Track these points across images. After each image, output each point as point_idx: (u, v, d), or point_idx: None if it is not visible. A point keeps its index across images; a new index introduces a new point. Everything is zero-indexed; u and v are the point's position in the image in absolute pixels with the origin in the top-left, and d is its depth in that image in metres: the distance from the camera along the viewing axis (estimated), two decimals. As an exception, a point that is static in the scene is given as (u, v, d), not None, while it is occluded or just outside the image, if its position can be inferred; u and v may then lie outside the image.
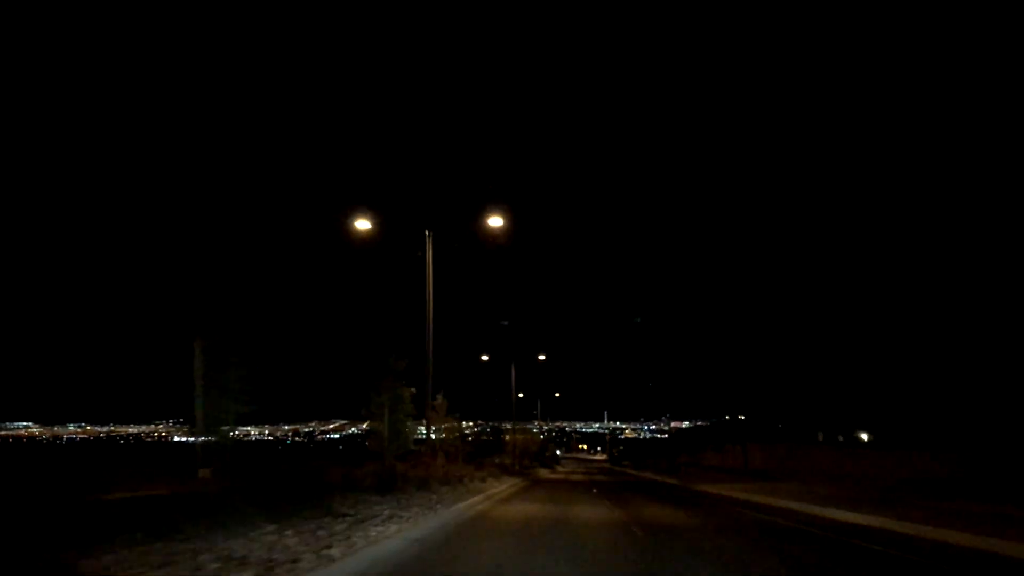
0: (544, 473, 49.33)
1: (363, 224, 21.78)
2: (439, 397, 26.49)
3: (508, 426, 54.69)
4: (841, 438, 45.18)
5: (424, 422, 21.92)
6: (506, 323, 45.00)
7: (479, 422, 62.34)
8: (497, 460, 41.87)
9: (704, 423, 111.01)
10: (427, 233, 22.66)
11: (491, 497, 19.51)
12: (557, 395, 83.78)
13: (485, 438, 57.16)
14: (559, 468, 64.10)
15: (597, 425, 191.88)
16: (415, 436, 19.94)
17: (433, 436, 25.82)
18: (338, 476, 16.89)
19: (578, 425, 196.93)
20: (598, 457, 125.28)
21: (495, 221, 21.87)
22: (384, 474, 13.95)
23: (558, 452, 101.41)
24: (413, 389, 19.50)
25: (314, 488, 11.16)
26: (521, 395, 59.49)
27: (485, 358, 48.04)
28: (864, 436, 44.29)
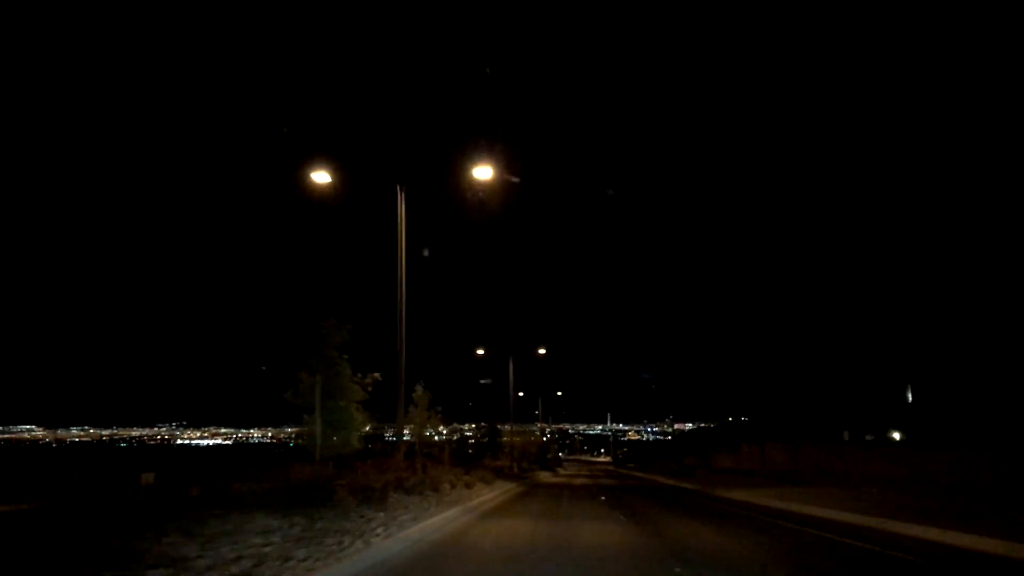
0: (544, 476, 45.46)
1: (322, 176, 18.14)
2: (419, 388, 22.50)
3: (508, 427, 51.07)
4: (870, 437, 41.24)
5: (399, 419, 18.11)
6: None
7: (481, 424, 58.78)
8: (492, 463, 37.99)
9: (708, 425, 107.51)
10: (399, 187, 18.92)
11: (474, 509, 15.60)
12: (559, 394, 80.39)
13: (483, 440, 53.69)
14: (561, 471, 60.14)
15: (600, 427, 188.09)
16: (364, 432, 15.74)
17: (410, 434, 21.93)
18: (276, 483, 13.09)
19: (580, 427, 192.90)
20: (601, 459, 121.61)
21: (483, 172, 18.16)
22: (313, 483, 10.03)
23: (560, 454, 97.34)
24: (377, 374, 15.60)
25: (186, 504, 7.34)
26: (521, 394, 56.04)
27: (480, 352, 44.70)
28: (896, 435, 40.43)
